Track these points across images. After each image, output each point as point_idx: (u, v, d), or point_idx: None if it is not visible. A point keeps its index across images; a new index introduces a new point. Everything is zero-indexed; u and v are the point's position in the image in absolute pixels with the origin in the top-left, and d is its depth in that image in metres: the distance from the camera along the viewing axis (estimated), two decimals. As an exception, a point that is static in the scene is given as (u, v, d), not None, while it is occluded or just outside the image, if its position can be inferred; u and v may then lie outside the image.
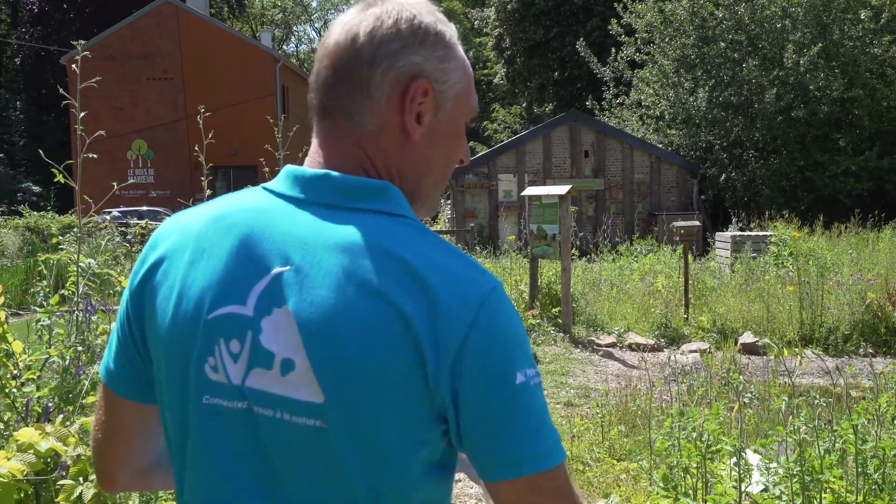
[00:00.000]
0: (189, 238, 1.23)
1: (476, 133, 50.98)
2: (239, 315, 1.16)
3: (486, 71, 53.11)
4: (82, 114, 3.32)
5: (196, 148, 6.26)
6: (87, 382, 2.98)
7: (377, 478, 1.13)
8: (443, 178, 1.32)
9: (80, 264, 3.43)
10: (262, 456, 1.16)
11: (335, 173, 1.21)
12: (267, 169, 7.39)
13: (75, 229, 3.37)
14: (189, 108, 33.17)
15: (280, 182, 1.25)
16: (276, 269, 1.15)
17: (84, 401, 3.00)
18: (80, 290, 3.40)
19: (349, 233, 1.14)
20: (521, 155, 24.24)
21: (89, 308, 3.34)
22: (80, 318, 3.33)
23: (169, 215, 1.91)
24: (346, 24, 1.23)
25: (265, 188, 1.26)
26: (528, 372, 1.13)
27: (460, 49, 1.29)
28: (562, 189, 11.47)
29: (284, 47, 60.63)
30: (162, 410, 1.27)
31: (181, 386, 1.20)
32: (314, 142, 1.27)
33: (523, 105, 45.80)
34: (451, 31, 1.28)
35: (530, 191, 12.44)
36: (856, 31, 23.87)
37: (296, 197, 1.21)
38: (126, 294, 1.30)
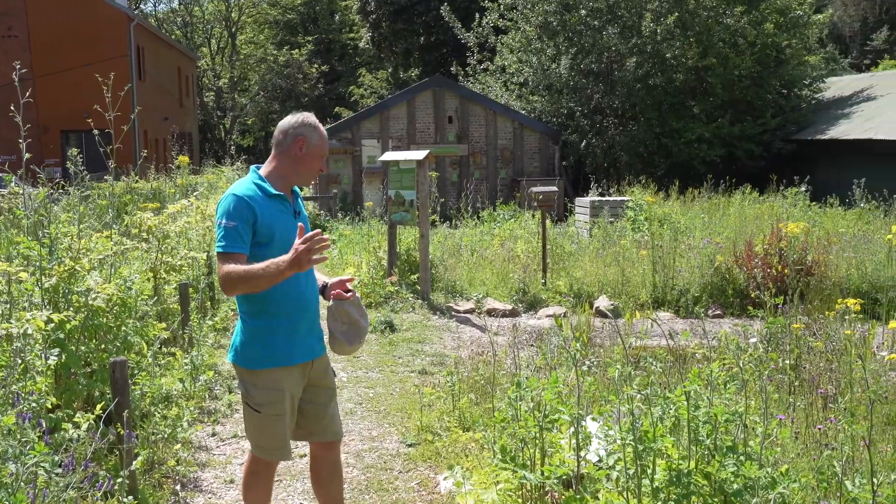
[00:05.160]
0: None
1: (342, 98, 50.26)
2: None
3: (351, 35, 52.33)
4: None
5: (12, 107, 5.74)
6: None
7: None
8: (308, 175, 3.66)
9: None
10: None
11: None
12: (97, 132, 6.94)
13: None
14: (36, 69, 31.19)
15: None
16: None
17: None
18: None
19: None
20: (385, 120, 23.97)
21: None
22: None
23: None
24: (283, 122, 3.64)
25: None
26: (220, 220, 3.42)
27: (320, 127, 3.63)
28: (419, 154, 11.27)
29: (142, 7, 58.03)
30: None
31: None
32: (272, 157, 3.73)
33: (389, 70, 45.38)
34: (314, 120, 3.64)
35: (388, 156, 12.20)
36: (710, 2, 24.50)
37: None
38: None
